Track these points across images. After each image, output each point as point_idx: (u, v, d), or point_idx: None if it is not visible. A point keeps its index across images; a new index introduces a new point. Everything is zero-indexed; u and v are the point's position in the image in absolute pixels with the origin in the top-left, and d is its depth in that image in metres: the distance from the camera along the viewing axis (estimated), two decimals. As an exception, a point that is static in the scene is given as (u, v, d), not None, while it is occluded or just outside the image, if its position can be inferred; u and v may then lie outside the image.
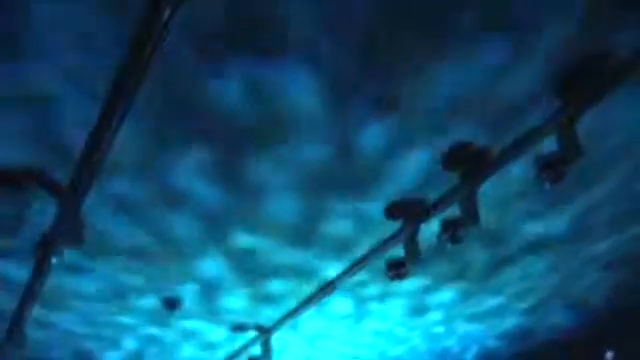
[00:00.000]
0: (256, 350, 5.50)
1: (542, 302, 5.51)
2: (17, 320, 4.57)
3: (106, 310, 4.94)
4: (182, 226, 3.73)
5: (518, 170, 3.45)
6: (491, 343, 6.50)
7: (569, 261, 4.71)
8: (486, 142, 3.22)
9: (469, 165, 3.35)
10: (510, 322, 6.00)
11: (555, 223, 4.12)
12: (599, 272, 4.96)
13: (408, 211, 3.78)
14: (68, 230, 3.21)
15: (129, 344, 5.89)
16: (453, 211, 3.71)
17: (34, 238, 3.51)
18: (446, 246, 3.86)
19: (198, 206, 3.56)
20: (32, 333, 5.07)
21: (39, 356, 5.96)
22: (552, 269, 4.86)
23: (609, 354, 6.61)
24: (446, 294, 5.14)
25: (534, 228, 4.17)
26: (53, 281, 4.17)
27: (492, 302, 5.47)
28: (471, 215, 3.55)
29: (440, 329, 5.94)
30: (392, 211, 3.82)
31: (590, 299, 5.53)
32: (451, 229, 3.72)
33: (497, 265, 4.69)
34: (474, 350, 6.62)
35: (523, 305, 5.62)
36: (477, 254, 4.41)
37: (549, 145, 3.26)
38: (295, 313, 5.07)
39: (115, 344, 5.86)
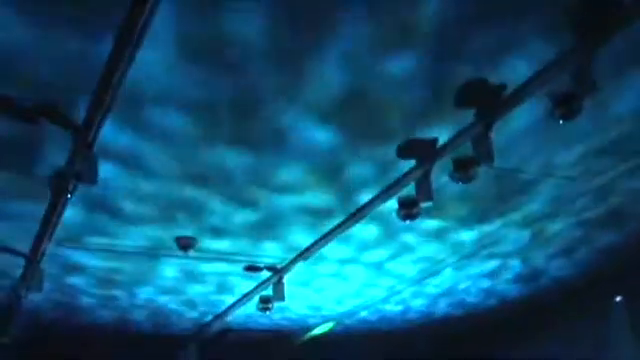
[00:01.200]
0: (268, 290, 5.56)
1: (554, 244, 5.54)
2: (33, 259, 4.64)
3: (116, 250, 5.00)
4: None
5: (532, 107, 3.41)
6: (501, 286, 6.55)
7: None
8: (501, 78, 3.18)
9: (484, 101, 3.31)
10: (517, 266, 6.03)
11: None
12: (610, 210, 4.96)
13: (421, 150, 3.76)
14: (81, 167, 3.22)
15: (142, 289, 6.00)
16: (467, 150, 3.66)
17: (49, 176, 3.52)
18: (459, 186, 3.84)
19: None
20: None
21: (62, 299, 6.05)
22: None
23: (618, 298, 6.66)
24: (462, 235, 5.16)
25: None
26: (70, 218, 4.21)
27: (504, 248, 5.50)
28: (485, 154, 3.53)
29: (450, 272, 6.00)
30: (405, 150, 3.80)
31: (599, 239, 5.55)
32: (464, 168, 3.71)
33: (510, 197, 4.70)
34: (483, 292, 6.67)
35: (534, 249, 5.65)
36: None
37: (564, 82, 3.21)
38: (307, 253, 5.11)
39: (130, 289, 5.96)
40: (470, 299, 6.82)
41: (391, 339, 8.04)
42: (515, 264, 5.97)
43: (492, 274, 6.17)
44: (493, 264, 5.92)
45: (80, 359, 7.37)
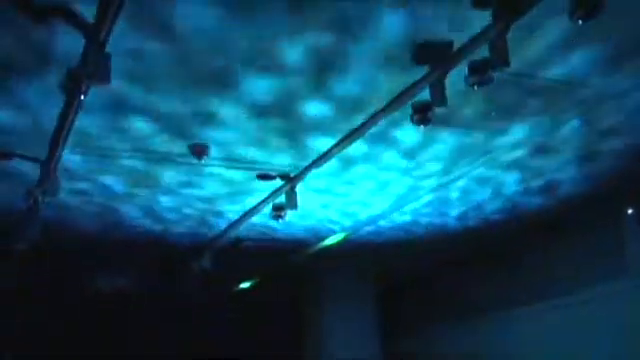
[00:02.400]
0: (281, 199, 5.61)
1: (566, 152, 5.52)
2: (48, 164, 4.68)
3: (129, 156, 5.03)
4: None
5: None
6: (513, 198, 6.56)
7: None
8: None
9: (501, 2, 3.24)
10: (530, 178, 6.03)
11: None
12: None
13: (436, 54, 3.72)
14: (94, 67, 3.21)
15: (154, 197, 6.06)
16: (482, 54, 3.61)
17: (62, 77, 3.52)
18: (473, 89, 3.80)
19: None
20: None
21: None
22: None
23: (630, 211, 6.68)
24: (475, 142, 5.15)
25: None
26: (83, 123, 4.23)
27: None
28: (501, 57, 3.48)
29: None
30: (419, 54, 3.76)
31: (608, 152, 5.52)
32: (479, 71, 3.66)
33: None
34: (495, 203, 6.70)
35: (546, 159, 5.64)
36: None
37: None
38: (321, 161, 5.13)
39: (142, 196, 6.03)
40: (483, 210, 6.85)
41: (403, 249, 8.15)
42: (527, 176, 5.98)
43: (505, 185, 6.18)
44: (505, 175, 5.93)
45: (94, 265, 7.55)
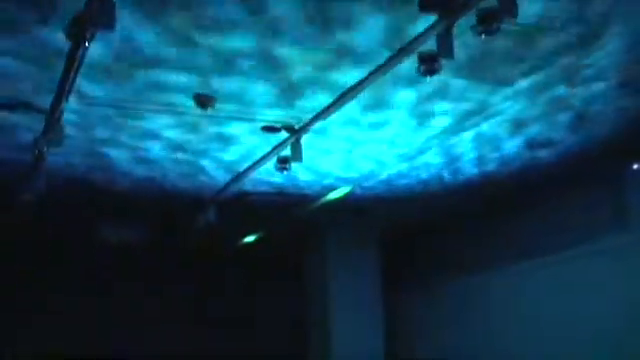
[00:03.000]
0: (286, 151, 5.61)
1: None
2: (53, 113, 4.68)
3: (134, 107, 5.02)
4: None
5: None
6: (514, 152, 6.54)
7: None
8: None
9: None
10: (531, 132, 6.00)
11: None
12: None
13: (443, 2, 3.67)
14: (98, 13, 3.18)
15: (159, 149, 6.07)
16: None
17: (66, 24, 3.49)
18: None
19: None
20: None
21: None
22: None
23: (636, 166, 6.67)
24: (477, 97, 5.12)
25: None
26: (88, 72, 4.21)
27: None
28: (508, 7, 3.45)
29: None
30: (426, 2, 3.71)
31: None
32: (487, 21, 3.62)
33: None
34: (496, 158, 6.68)
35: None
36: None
37: None
38: (326, 114, 5.11)
39: (147, 148, 6.03)
40: (487, 164, 6.84)
41: (407, 203, 8.16)
42: (529, 130, 5.95)
43: (506, 139, 6.16)
44: (507, 130, 5.91)
45: (100, 218, 7.60)
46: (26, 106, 4.91)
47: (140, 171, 6.67)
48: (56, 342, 10.37)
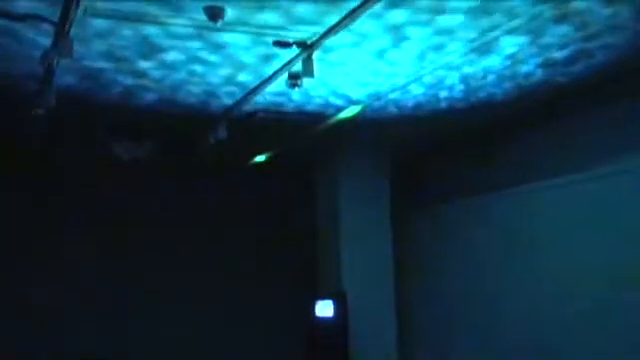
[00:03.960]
0: (298, 67, 5.55)
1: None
2: (63, 25, 4.62)
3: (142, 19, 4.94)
4: None
5: None
6: (540, 70, 6.44)
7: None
8: None
9: None
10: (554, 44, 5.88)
11: None
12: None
13: None
14: None
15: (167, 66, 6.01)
16: None
17: None
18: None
19: None
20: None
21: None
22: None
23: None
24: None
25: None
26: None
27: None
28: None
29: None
30: None
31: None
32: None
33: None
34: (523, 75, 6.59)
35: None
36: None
37: None
38: (338, 28, 5.03)
39: (156, 64, 5.98)
40: (501, 83, 6.76)
41: (419, 123, 8.13)
42: (548, 45, 5.84)
43: (524, 56, 6.06)
44: (525, 45, 5.80)
45: (111, 133, 7.61)
46: (35, 16, 4.84)
47: (149, 87, 6.63)
48: (72, 260, 10.59)
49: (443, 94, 7.04)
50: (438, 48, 5.71)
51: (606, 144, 6.85)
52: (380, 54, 5.82)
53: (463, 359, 8.80)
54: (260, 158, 9.48)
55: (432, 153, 9.67)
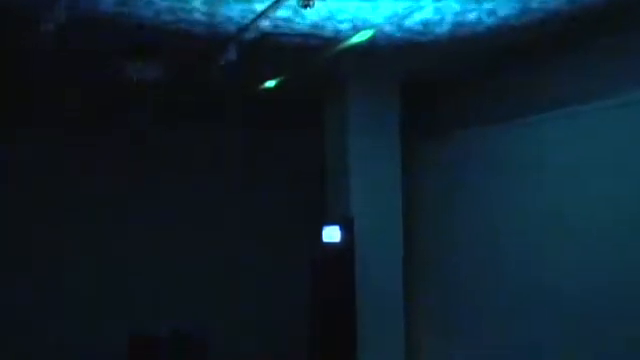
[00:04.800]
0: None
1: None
2: None
3: None
4: None
5: None
6: None
7: None
8: None
9: None
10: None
11: None
12: None
13: None
14: None
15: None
16: None
17: None
18: None
19: None
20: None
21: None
22: None
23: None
24: None
25: None
26: None
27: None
28: None
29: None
30: None
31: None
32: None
33: None
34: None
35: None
36: None
37: None
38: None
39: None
40: (516, 9, 6.63)
41: (433, 51, 8.02)
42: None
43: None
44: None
45: (122, 54, 7.55)
46: None
47: (159, 9, 6.54)
48: (86, 180, 10.72)
49: (457, 20, 6.92)
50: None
51: (622, 74, 6.76)
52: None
53: (466, 290, 8.93)
54: (270, 83, 9.40)
55: (441, 83, 9.58)
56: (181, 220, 11.33)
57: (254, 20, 6.83)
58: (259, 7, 6.46)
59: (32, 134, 10.40)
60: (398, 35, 7.45)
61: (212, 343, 7.29)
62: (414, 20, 6.93)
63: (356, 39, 7.46)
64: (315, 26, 7.11)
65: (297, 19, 6.83)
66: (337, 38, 7.52)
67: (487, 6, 6.57)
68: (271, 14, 6.58)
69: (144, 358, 6.75)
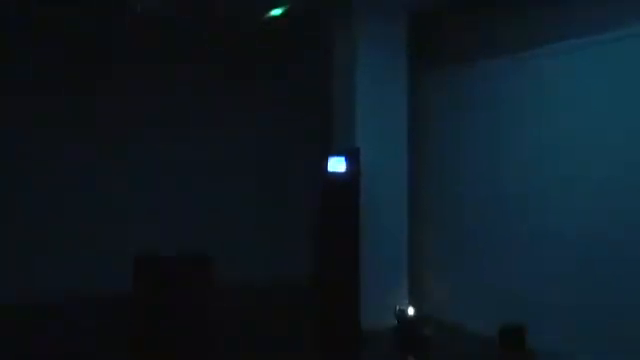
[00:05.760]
0: None
1: None
2: None
3: None
4: None
5: None
6: None
7: None
8: None
9: None
10: None
11: None
12: None
13: None
14: None
15: None
16: None
17: None
18: None
19: None
20: None
21: None
22: None
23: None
24: None
25: None
26: None
27: None
28: None
29: None
30: None
31: None
32: None
33: None
34: None
35: None
36: None
37: None
38: None
39: None
40: None
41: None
42: None
43: None
44: None
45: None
46: None
47: None
48: (87, 100, 10.68)
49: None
50: None
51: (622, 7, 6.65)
52: None
53: (469, 226, 8.94)
54: (276, 12, 9.26)
55: (449, 12, 9.41)
56: (188, 141, 11.36)
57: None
58: None
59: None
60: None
61: (217, 265, 7.33)
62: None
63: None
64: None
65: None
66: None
67: None
68: None
69: (149, 278, 6.79)
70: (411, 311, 8.53)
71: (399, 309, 8.59)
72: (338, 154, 8.72)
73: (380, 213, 8.92)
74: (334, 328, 8.55)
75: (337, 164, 8.65)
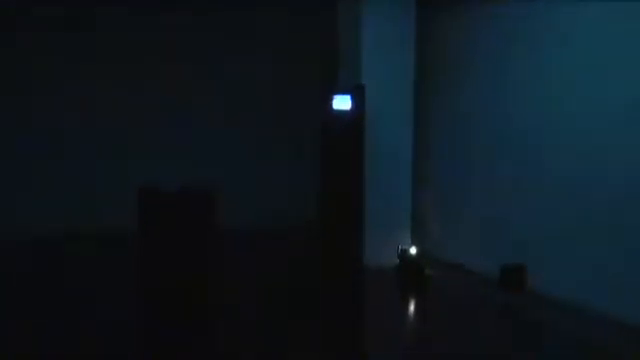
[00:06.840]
0: None
1: None
2: None
3: None
4: None
5: None
6: None
7: None
8: None
9: None
10: None
11: None
12: None
13: None
14: None
15: None
16: None
17: None
18: None
19: None
20: None
21: None
22: None
23: None
24: None
25: None
26: None
27: None
28: None
29: None
30: None
31: None
32: None
33: None
34: None
35: None
36: None
37: None
38: None
39: None
40: None
41: None
42: None
43: None
44: None
45: None
46: None
47: None
48: (87, 36, 10.50)
49: None
50: None
51: None
52: None
53: (474, 163, 8.84)
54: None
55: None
56: (191, 76, 11.24)
57: None
58: None
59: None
60: None
61: (221, 201, 7.28)
62: None
63: None
64: None
65: None
66: None
67: None
68: None
69: (153, 212, 6.74)
70: (413, 250, 8.52)
71: (401, 248, 8.58)
72: (343, 92, 8.58)
73: (385, 152, 8.84)
74: (337, 266, 8.55)
75: (342, 102, 8.51)
